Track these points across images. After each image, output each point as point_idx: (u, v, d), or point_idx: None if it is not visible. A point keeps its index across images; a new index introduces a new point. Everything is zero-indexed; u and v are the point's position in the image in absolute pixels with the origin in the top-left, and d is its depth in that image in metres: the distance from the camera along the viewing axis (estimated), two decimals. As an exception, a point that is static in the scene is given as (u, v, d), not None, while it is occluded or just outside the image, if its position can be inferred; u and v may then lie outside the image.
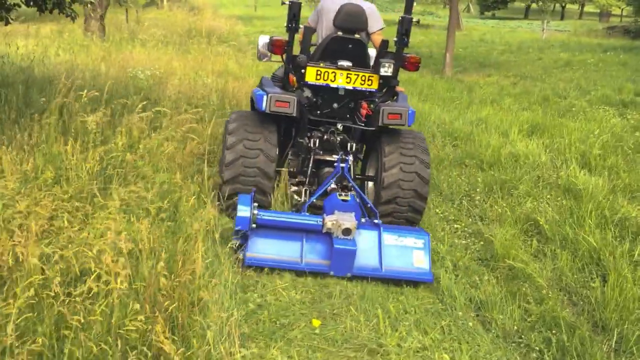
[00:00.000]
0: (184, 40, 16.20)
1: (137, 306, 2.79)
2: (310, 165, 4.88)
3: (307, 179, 4.86)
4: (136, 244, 3.37)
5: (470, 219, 5.39)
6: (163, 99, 7.93)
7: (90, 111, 5.59)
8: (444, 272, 4.26)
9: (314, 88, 4.75)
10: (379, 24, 4.93)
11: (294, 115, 4.49)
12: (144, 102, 7.13)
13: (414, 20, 4.52)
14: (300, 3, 4.44)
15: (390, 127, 4.74)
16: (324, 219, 4.03)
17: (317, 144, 4.86)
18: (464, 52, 19.81)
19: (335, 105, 4.86)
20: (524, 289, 4.09)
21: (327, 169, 4.79)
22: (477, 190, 5.96)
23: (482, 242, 4.86)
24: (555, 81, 13.45)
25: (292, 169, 5.04)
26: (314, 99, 4.83)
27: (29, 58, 8.62)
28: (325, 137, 4.87)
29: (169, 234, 3.75)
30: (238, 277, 3.90)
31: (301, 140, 4.92)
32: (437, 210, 5.54)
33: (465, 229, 5.19)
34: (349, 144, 4.80)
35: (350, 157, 4.62)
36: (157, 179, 4.60)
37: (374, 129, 4.68)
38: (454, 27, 14.54)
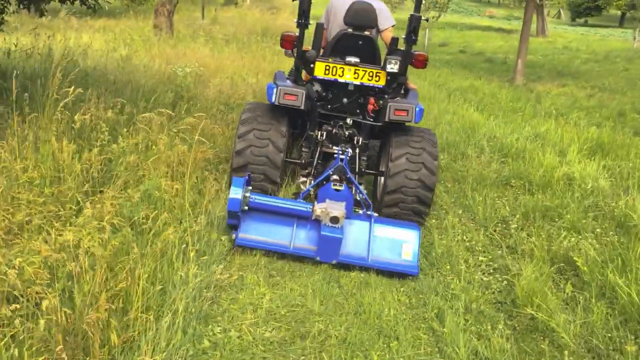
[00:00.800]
0: (249, 39, 16.02)
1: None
2: (317, 157, 4.98)
3: (314, 170, 4.95)
4: (82, 262, 2.95)
5: (499, 251, 4.65)
6: (199, 97, 7.60)
7: (105, 108, 5.30)
8: (451, 315, 3.60)
9: (324, 83, 4.87)
10: (389, 21, 5.09)
11: (302, 108, 4.60)
12: (170, 102, 6.89)
13: (422, 18, 4.59)
14: (310, 0, 4.52)
15: (397, 122, 4.73)
16: (314, 206, 4.10)
17: (324, 137, 4.97)
18: (542, 60, 18.60)
19: (345, 100, 4.95)
20: (542, 346, 3.37)
21: (333, 161, 4.76)
22: (516, 217, 5.20)
23: (505, 282, 4.13)
24: (638, 95, 12.19)
25: (302, 161, 5.09)
26: (324, 94, 4.96)
27: (78, 52, 8.56)
28: (334, 130, 4.99)
29: (122, 252, 3.30)
30: (204, 304, 3.40)
31: (311, 133, 5.03)
32: (464, 237, 4.82)
33: (491, 262, 4.45)
34: (355, 138, 4.96)
35: (350, 150, 4.82)
36: (143, 186, 4.19)
37: (380, 124, 4.79)
38: (527, 32, 13.49)
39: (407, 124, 4.84)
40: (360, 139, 4.96)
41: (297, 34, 4.62)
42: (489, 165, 6.73)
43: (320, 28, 4.72)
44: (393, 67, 4.60)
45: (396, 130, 4.86)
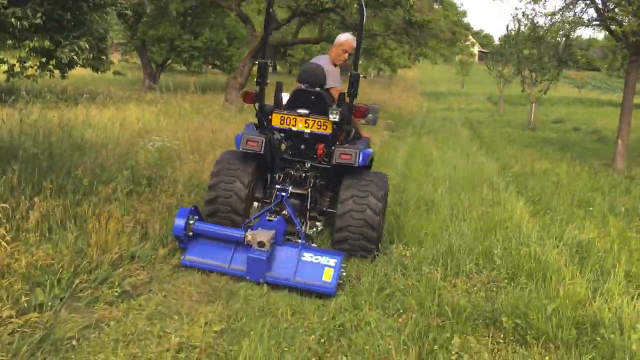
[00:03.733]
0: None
1: None
2: (274, 194, 5.38)
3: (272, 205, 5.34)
4: None
5: None
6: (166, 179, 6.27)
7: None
8: None
9: (284, 131, 5.44)
10: (334, 83, 5.56)
11: (262, 153, 5.16)
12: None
13: (361, 75, 5.12)
14: (266, 63, 5.33)
15: (344, 165, 5.16)
16: (245, 233, 4.63)
17: (280, 178, 5.49)
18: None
19: (302, 146, 5.49)
20: None
21: (290, 199, 5.34)
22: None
23: None
24: None
25: (262, 197, 5.70)
26: (285, 141, 5.60)
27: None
28: (292, 172, 5.49)
29: None
30: None
31: (274, 175, 5.61)
32: None
33: None
34: (309, 180, 5.49)
35: (290, 189, 5.29)
36: None
37: (328, 166, 5.39)
38: (630, 106, 10.76)
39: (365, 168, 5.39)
40: (313, 180, 5.49)
41: (257, 90, 5.29)
42: (482, 287, 4.56)
43: (280, 85, 5.56)
44: (335, 116, 5.08)
45: (349, 173, 5.28)
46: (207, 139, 8.71)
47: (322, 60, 5.63)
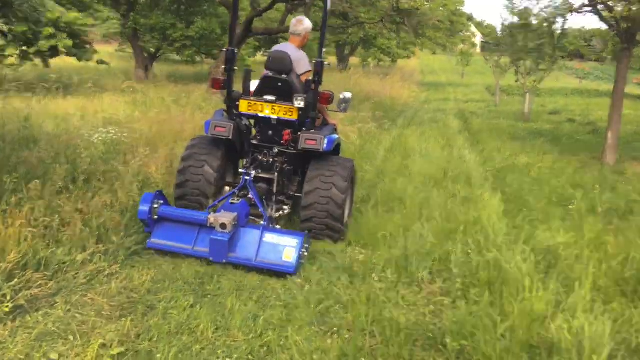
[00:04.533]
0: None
1: None
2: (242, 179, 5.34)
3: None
4: None
5: None
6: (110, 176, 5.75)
7: None
8: None
9: (251, 117, 5.52)
10: (305, 68, 5.53)
11: (230, 138, 5.26)
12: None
13: (325, 63, 5.32)
14: (233, 50, 5.36)
15: (308, 150, 5.24)
16: (208, 216, 4.69)
17: (248, 163, 5.55)
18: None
19: (270, 132, 5.50)
20: None
21: (259, 184, 5.43)
22: None
23: None
24: None
25: (231, 182, 5.74)
26: (252, 127, 5.68)
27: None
28: (260, 157, 5.53)
29: None
30: None
31: (244, 160, 5.68)
32: None
33: None
34: (276, 165, 5.49)
35: (253, 173, 5.33)
36: None
37: (294, 152, 5.45)
38: (620, 96, 10.10)
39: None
40: (280, 165, 5.49)
41: (225, 77, 5.33)
42: (431, 301, 4.02)
43: (248, 73, 5.62)
44: (300, 102, 5.19)
45: (316, 158, 5.39)
46: (173, 131, 8.17)
47: (289, 47, 5.59)
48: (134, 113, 9.88)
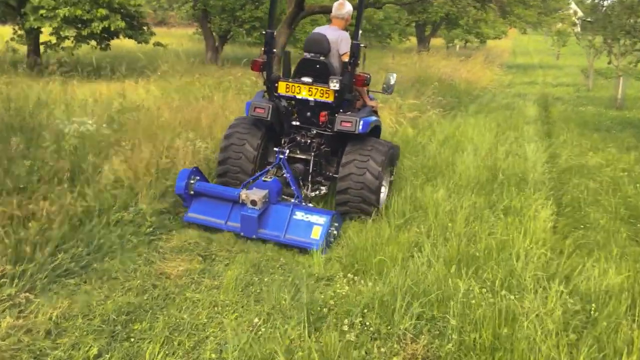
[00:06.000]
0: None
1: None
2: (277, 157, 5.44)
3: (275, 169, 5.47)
4: None
5: None
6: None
7: None
8: None
9: (290, 99, 5.59)
10: (347, 47, 5.43)
11: (268, 119, 5.40)
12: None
13: (362, 45, 5.26)
14: (272, 32, 5.45)
15: (344, 132, 5.25)
16: (240, 192, 4.83)
17: (286, 143, 5.62)
18: None
19: (308, 114, 5.56)
20: None
21: (296, 164, 5.58)
22: None
23: None
24: None
25: (270, 160, 5.69)
26: (291, 108, 5.70)
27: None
28: (299, 138, 5.63)
29: None
30: None
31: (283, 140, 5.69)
32: None
33: None
34: (314, 145, 5.56)
35: (287, 151, 5.41)
36: None
37: (331, 133, 5.46)
38: None
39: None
40: (315, 145, 5.55)
41: (265, 59, 5.42)
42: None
43: (287, 55, 5.96)
44: (335, 85, 5.20)
45: (353, 140, 5.37)
46: (185, 120, 7.34)
47: (331, 29, 5.64)
48: (156, 99, 9.15)
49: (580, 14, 61.69)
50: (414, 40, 37.48)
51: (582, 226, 5.09)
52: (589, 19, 25.08)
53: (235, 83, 11.52)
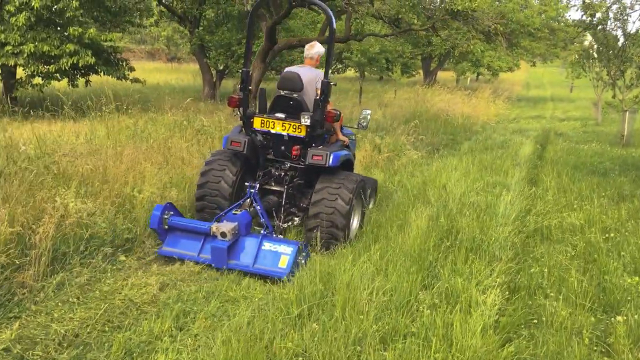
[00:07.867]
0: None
1: None
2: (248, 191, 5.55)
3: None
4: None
5: None
6: None
7: None
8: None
9: (265, 134, 5.77)
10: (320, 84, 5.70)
11: (245, 152, 5.62)
12: None
13: (331, 83, 5.49)
14: (248, 70, 5.72)
15: (315, 165, 5.47)
16: (211, 225, 4.98)
17: (260, 176, 5.82)
18: None
19: (282, 148, 5.79)
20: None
21: (269, 196, 5.77)
22: None
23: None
24: None
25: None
26: (266, 143, 5.86)
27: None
28: (273, 171, 5.88)
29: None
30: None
31: (259, 174, 5.90)
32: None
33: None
34: (286, 178, 5.80)
35: (257, 185, 5.49)
36: None
37: (303, 166, 5.71)
38: None
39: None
40: (289, 178, 5.80)
41: (240, 96, 5.67)
42: None
43: (263, 92, 6.08)
44: (306, 120, 5.43)
45: (326, 172, 5.56)
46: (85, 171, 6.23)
47: (304, 69, 5.85)
48: (103, 140, 8.10)
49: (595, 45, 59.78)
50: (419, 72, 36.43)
51: (532, 321, 3.79)
52: (592, 51, 23.77)
53: (208, 122, 10.34)
